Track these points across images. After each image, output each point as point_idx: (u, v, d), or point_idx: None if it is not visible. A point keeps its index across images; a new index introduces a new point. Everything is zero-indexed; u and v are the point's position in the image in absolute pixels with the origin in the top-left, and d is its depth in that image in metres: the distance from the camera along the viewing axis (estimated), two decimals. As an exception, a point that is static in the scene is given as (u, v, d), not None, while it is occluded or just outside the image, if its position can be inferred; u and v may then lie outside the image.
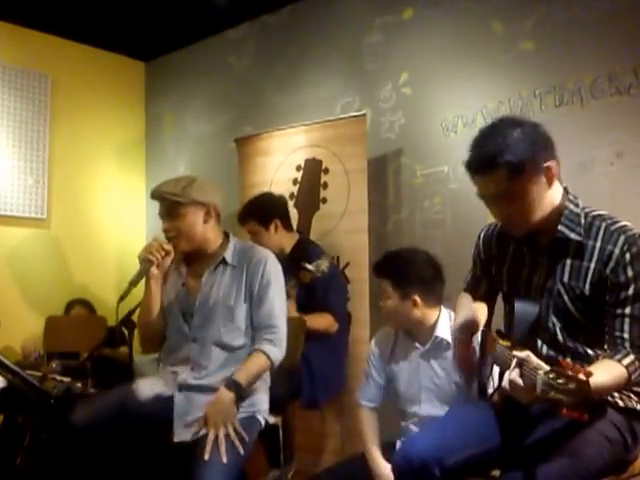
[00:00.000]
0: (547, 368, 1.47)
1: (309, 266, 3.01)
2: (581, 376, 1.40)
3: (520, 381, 1.59)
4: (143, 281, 2.51)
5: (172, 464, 2.36)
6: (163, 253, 2.45)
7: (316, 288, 3.15)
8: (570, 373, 1.41)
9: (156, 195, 2.50)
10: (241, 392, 2.32)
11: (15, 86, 4.53)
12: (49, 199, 4.67)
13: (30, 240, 4.58)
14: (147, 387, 2.43)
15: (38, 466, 2.42)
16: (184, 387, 2.39)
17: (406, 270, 2.40)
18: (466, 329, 1.97)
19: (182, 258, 2.60)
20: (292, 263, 3.22)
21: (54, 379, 3.10)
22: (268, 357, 2.39)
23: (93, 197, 4.96)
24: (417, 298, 2.37)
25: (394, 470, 1.92)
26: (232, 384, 2.31)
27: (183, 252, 2.56)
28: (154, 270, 2.46)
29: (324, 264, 3.04)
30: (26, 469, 2.51)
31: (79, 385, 3.03)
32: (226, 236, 2.59)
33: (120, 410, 2.34)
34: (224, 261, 2.50)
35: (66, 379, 3.14)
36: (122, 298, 2.36)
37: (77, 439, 2.25)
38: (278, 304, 2.47)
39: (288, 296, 3.12)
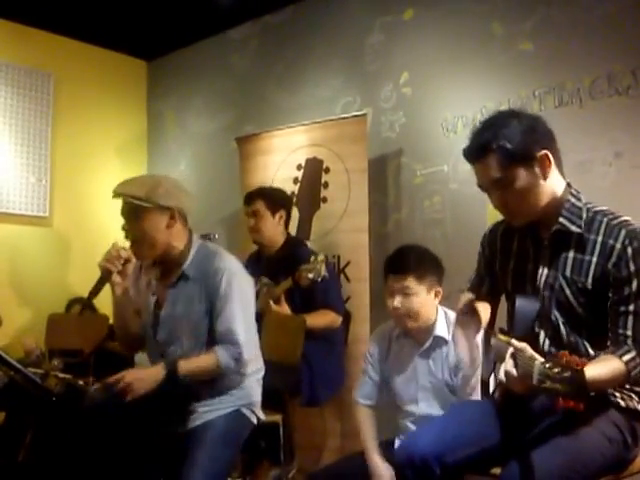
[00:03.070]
0: (542, 359, 1.49)
1: (310, 275, 3.02)
2: (576, 365, 1.42)
3: (514, 371, 1.60)
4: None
5: (162, 451, 2.36)
6: (122, 260, 2.35)
7: (316, 289, 3.17)
8: (565, 362, 1.42)
9: (117, 195, 2.33)
10: (174, 376, 2.22)
11: (18, 84, 4.55)
12: (51, 197, 4.69)
13: (32, 238, 4.60)
14: None
15: (40, 463, 2.43)
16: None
17: (426, 263, 2.39)
18: (466, 309, 1.98)
19: (152, 263, 2.49)
20: (282, 262, 3.27)
21: (56, 376, 3.11)
22: (217, 360, 2.26)
23: (95, 195, 4.95)
24: (440, 289, 2.39)
25: (395, 467, 1.93)
26: (170, 364, 2.24)
27: (146, 259, 2.46)
28: (116, 278, 2.36)
29: (322, 268, 3.03)
30: (28, 466, 2.52)
31: (81, 382, 3.05)
32: (189, 240, 2.42)
33: None
34: (184, 275, 2.38)
35: (68, 376, 3.15)
36: (84, 308, 2.32)
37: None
38: (238, 318, 2.31)
39: (277, 299, 3.16)
